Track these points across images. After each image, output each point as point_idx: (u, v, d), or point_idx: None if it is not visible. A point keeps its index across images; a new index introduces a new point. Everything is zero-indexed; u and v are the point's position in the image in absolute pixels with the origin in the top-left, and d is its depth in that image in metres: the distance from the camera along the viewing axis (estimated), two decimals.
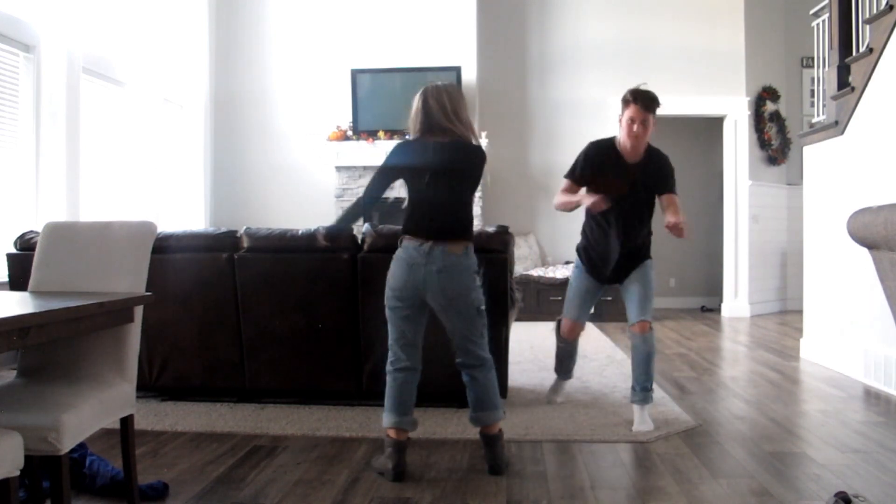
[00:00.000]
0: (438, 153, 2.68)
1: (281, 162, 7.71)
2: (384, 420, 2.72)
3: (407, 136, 2.97)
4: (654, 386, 3.43)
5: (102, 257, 2.32)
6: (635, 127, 3.19)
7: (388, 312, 2.74)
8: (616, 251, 3.33)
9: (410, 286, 2.65)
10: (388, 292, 2.71)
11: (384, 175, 2.80)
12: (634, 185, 3.27)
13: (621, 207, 3.27)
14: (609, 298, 7.43)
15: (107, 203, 5.98)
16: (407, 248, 2.68)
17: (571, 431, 3.23)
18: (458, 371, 2.77)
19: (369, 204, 2.89)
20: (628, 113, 3.20)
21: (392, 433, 2.68)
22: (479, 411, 2.72)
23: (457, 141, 2.70)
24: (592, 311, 3.70)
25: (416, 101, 2.74)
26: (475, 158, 2.76)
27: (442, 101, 2.69)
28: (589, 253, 3.45)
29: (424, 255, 2.63)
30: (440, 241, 2.64)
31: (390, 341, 2.75)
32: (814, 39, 5.70)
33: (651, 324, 3.28)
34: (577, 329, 3.54)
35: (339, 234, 3.23)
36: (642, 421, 3.26)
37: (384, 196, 2.85)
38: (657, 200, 3.33)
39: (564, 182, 3.41)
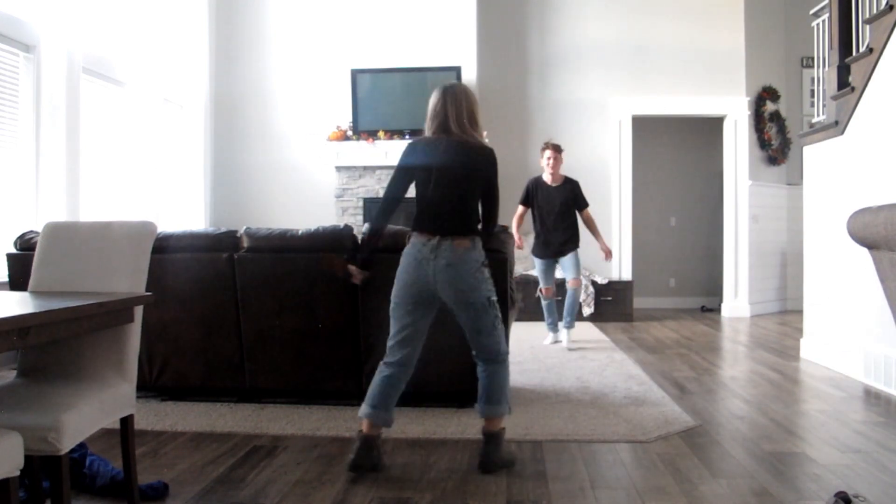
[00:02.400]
0: (447, 151, 2.72)
1: (281, 162, 7.70)
2: (360, 410, 2.73)
3: (407, 136, 2.97)
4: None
5: (102, 257, 2.32)
6: (553, 161, 5.56)
7: (391, 308, 2.75)
8: (552, 232, 5.57)
9: (421, 282, 2.67)
10: (395, 289, 2.73)
11: (399, 177, 2.80)
12: (553, 199, 5.57)
13: (552, 209, 5.56)
14: (609, 299, 7.49)
15: (107, 203, 5.98)
16: (415, 245, 2.71)
17: (571, 431, 3.24)
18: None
19: (391, 207, 2.84)
20: (547, 154, 5.58)
21: (364, 426, 2.69)
22: (485, 403, 2.76)
23: (466, 141, 2.74)
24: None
25: (435, 99, 2.77)
26: (483, 159, 2.77)
27: (459, 102, 2.74)
28: (540, 240, 5.65)
29: (433, 251, 2.66)
30: (447, 236, 2.67)
31: (389, 337, 2.76)
32: (814, 39, 5.71)
33: (581, 281, 5.79)
34: (551, 290, 5.73)
35: (370, 261, 2.94)
36: (570, 339, 5.63)
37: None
38: (581, 216, 5.67)
39: (519, 207, 5.69)
